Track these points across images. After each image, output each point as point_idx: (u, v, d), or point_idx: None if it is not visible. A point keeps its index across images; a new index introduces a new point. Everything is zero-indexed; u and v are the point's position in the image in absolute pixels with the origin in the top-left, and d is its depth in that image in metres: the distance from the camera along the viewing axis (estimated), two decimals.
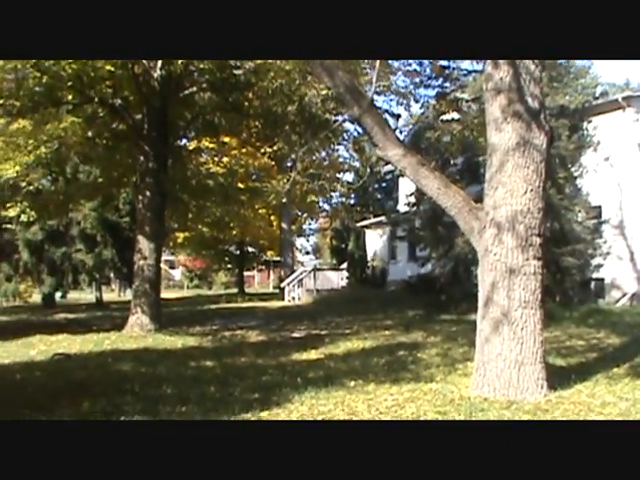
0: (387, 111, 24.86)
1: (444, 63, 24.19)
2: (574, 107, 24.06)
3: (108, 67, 18.49)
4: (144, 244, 21.98)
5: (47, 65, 18.15)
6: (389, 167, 38.39)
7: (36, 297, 41.26)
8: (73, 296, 47.64)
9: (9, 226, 30.15)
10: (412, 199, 28.46)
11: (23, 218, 23.05)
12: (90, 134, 23.08)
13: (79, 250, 36.38)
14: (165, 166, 22.79)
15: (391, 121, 24.23)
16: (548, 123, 9.41)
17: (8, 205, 22.80)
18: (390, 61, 22.16)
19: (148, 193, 22.11)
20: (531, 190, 9.01)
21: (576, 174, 24.63)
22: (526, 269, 8.95)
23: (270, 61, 18.90)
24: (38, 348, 16.74)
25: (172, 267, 79.28)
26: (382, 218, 41.29)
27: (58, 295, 42.35)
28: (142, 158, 22.25)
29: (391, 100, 24.16)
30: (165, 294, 33.09)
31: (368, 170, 38.82)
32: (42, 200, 24.31)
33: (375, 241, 41.76)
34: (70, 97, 20.88)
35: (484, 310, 9.23)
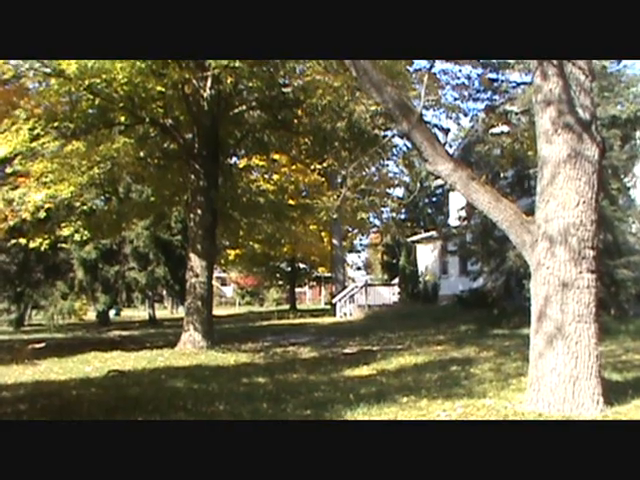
0: (436, 125, 24.85)
1: (492, 76, 24.11)
2: (626, 117, 23.70)
3: (159, 88, 18.78)
4: (196, 262, 22.17)
5: (100, 87, 18.51)
6: (439, 181, 38.19)
7: (91, 315, 41.87)
8: (127, 314, 48.32)
9: (64, 245, 30.70)
10: (463, 213, 28.34)
11: (77, 237, 23.39)
12: (142, 154, 23.47)
13: (132, 268, 36.88)
14: (216, 184, 22.98)
15: (440, 135, 24.15)
16: (600, 134, 9.29)
17: (63, 225, 23.20)
18: (438, 74, 22.16)
19: (199, 211, 22.33)
20: (583, 202, 8.90)
21: (629, 185, 24.28)
22: (579, 282, 8.82)
23: (318, 78, 19.01)
24: (93, 365, 16.97)
25: (224, 284, 79.74)
26: (433, 233, 41.15)
27: (112, 313, 43.04)
28: (193, 177, 22.48)
29: (440, 114, 24.16)
30: (217, 311, 33.32)
31: (418, 185, 38.75)
32: (96, 219, 24.71)
33: (426, 256, 41.57)
34: (122, 118, 21.23)
35: (537, 324, 9.11)
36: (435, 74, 21.77)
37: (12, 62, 18.75)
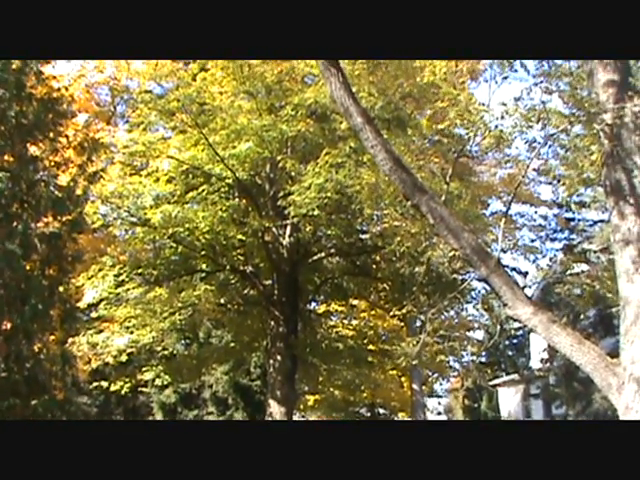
0: (514, 269, 24.65)
1: (569, 215, 24.08)
2: None
3: (239, 236, 19.31)
4: (275, 408, 21.96)
5: (182, 235, 19.13)
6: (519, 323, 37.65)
7: None
8: None
9: (144, 389, 30.99)
10: (545, 355, 27.76)
11: (158, 382, 23.65)
12: (222, 300, 23.78)
13: (211, 413, 36.71)
14: (295, 330, 23.01)
15: (519, 278, 23.99)
16: None
17: (144, 369, 23.51)
18: (514, 217, 22.17)
19: (279, 357, 22.29)
20: None
21: None
22: None
23: (396, 224, 19.21)
24: None
25: None
26: (515, 376, 40.29)
27: None
28: (273, 323, 22.57)
29: (518, 256, 24.04)
30: None
31: (498, 327, 38.21)
32: (176, 364, 24.97)
33: (508, 400, 40.52)
34: (204, 265, 21.78)
35: None
36: (511, 216, 21.86)
37: (102, 211, 19.69)
